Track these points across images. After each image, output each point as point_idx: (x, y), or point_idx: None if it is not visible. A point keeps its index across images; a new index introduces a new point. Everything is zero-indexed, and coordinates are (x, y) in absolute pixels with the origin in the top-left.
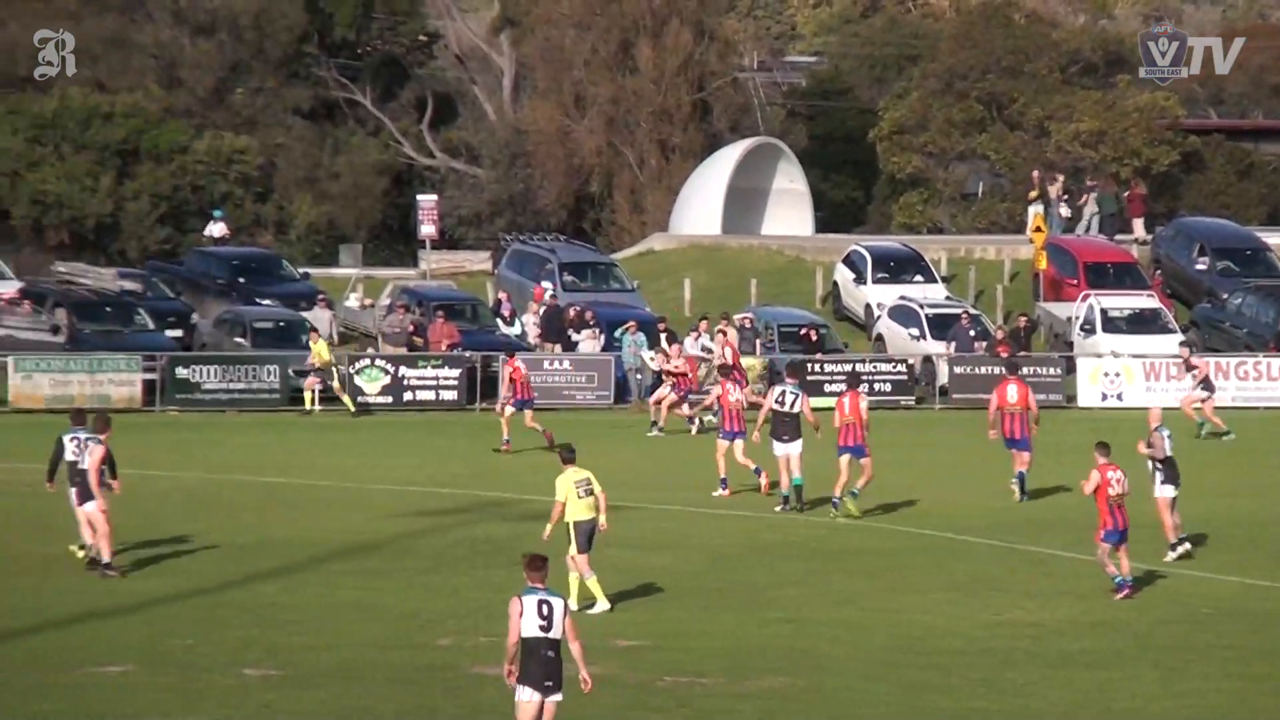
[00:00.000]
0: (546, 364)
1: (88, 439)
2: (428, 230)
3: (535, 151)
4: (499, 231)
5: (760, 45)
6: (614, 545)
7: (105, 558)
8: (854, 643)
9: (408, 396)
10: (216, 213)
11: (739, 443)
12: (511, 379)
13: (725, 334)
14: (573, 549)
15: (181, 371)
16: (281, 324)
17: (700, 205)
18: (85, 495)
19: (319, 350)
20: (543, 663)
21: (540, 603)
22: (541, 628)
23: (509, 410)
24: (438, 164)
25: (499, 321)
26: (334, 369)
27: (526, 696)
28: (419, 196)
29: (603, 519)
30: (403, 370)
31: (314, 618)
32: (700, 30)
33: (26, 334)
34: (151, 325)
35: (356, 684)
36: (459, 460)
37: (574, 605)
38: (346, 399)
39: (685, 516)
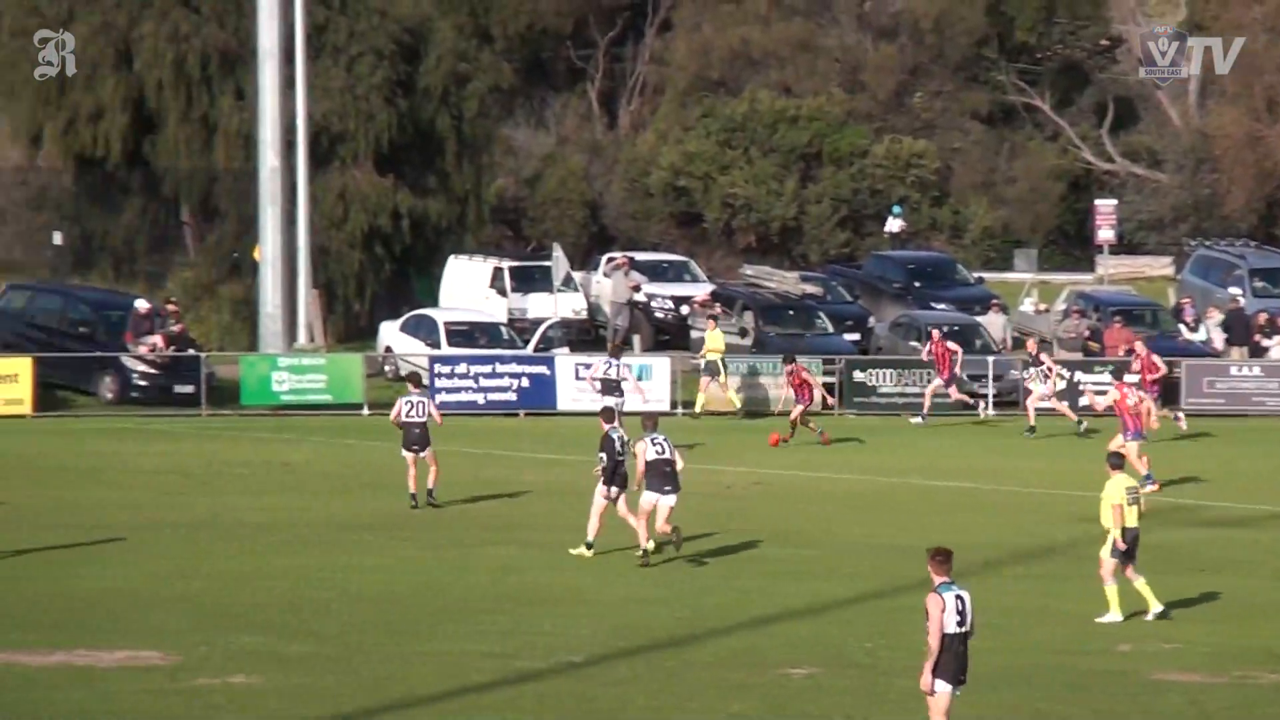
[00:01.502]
0: (1234, 370)
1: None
2: (1105, 235)
3: (1223, 156)
4: (1182, 237)
5: None
6: None
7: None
8: None
9: (1083, 401)
10: (895, 209)
11: None
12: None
13: None
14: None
15: (859, 375)
16: (956, 328)
17: None
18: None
19: (712, 340)
20: (958, 657)
21: (956, 597)
22: (959, 623)
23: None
24: (1117, 169)
25: (1181, 327)
26: (721, 364)
27: (944, 689)
28: (1097, 201)
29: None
30: (1077, 375)
31: (990, 622)
32: None
33: None
34: (831, 329)
35: (1035, 688)
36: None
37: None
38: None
39: None
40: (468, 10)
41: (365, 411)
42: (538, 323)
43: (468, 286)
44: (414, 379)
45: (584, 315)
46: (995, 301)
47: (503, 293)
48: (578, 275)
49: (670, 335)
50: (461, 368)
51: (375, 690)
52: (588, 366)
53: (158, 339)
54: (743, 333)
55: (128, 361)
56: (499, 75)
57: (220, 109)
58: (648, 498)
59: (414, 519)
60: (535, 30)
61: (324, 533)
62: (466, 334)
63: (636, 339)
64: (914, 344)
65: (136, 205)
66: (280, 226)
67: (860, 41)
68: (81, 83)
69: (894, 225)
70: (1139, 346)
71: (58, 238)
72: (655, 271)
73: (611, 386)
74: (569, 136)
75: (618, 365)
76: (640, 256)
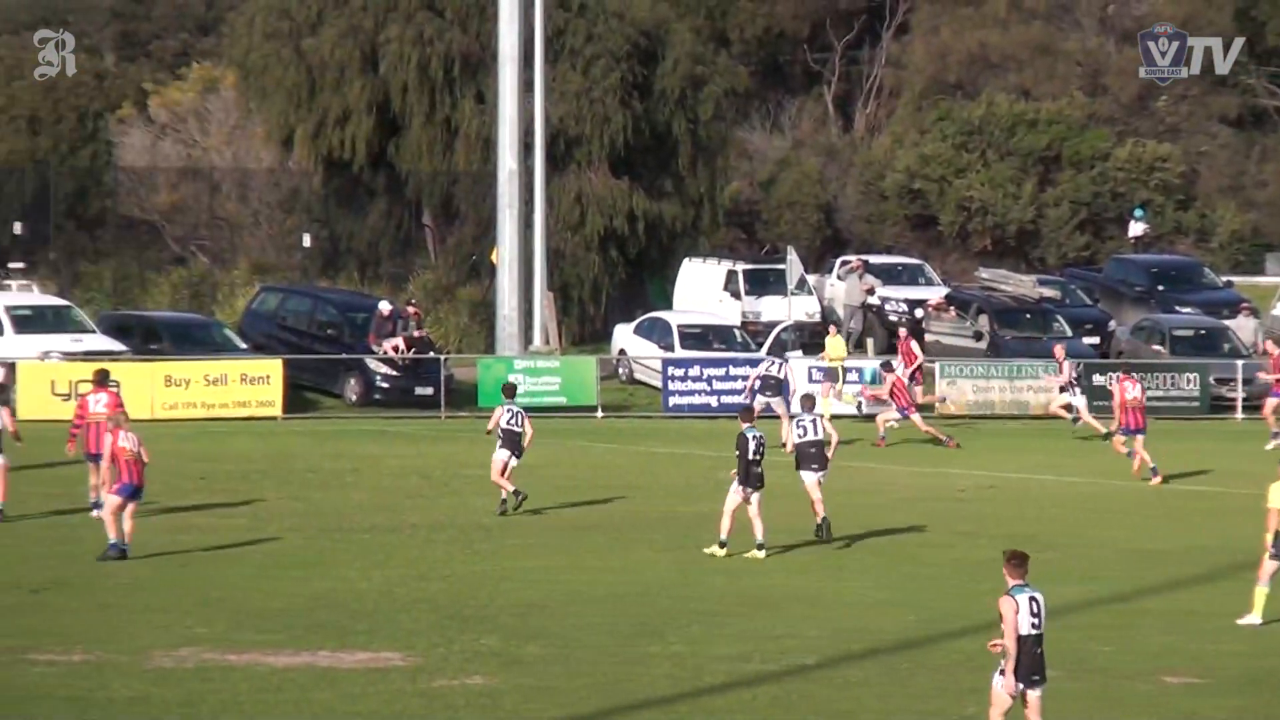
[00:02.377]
0: None
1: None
2: None
3: None
4: None
5: None
6: None
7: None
8: None
9: None
10: (1137, 212)
11: None
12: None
13: None
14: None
15: (1098, 379)
16: (1201, 332)
17: None
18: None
19: (833, 348)
20: (1033, 658)
21: (1030, 599)
22: (1033, 625)
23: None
24: None
25: None
26: (840, 370)
27: (1015, 689)
28: None
29: None
30: None
31: (1231, 627)
32: None
33: (951, 339)
34: (1069, 332)
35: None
36: None
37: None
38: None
39: None
40: (704, 13)
41: (599, 414)
42: (771, 325)
43: (701, 289)
44: (508, 390)
45: (817, 318)
46: (1245, 305)
47: (737, 296)
48: (811, 278)
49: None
50: (694, 370)
51: (609, 691)
52: (821, 370)
53: (400, 341)
54: (977, 336)
55: (371, 364)
56: (735, 78)
57: (461, 112)
58: (804, 477)
59: (646, 521)
60: (772, 34)
61: (558, 535)
62: (700, 337)
63: (870, 342)
64: (1157, 348)
65: (381, 208)
66: (518, 229)
67: (1102, 45)
68: (330, 86)
69: (1137, 229)
70: None
71: (306, 240)
72: (889, 274)
73: (772, 385)
74: (804, 139)
75: (780, 364)
76: (874, 259)
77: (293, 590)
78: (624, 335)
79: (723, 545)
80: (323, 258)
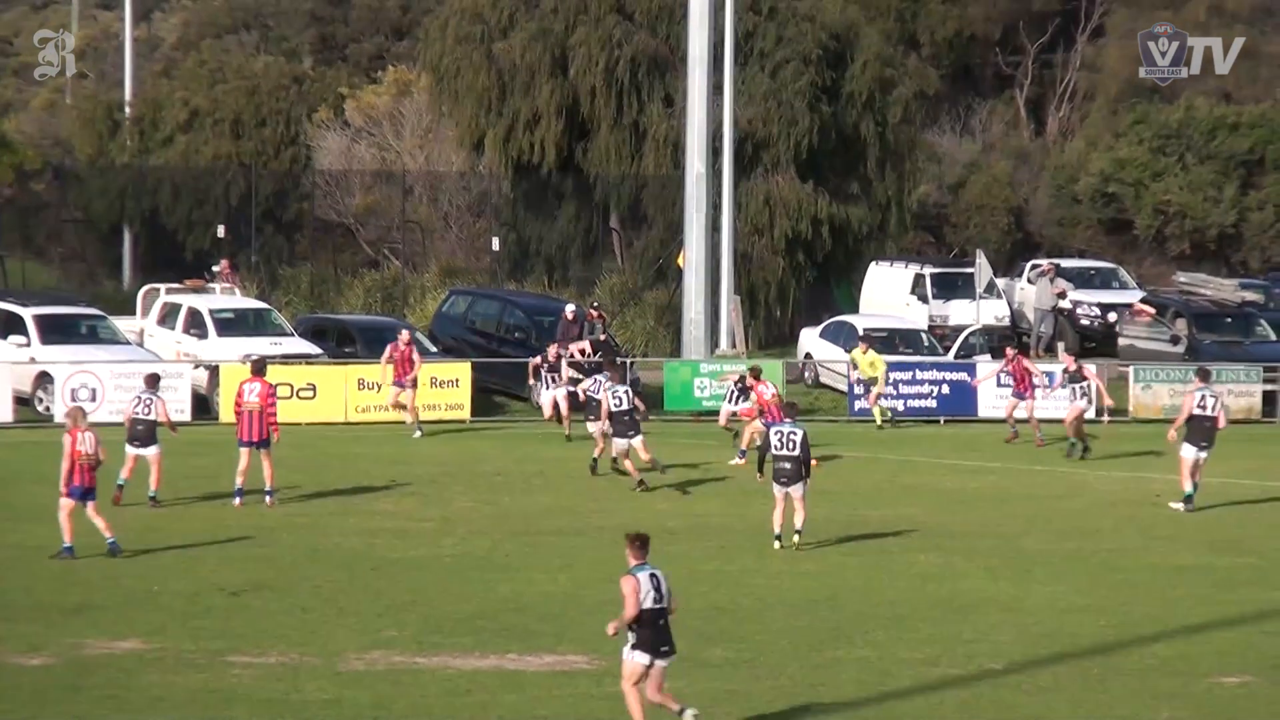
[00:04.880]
0: None
1: None
2: None
3: None
4: None
5: None
6: None
7: None
8: None
9: None
10: None
11: None
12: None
13: None
14: None
15: None
16: None
17: None
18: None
19: (868, 363)
20: (657, 630)
21: (650, 576)
22: (655, 599)
23: None
24: None
25: None
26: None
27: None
28: None
29: None
30: None
31: None
32: None
33: (1146, 344)
34: (1274, 336)
35: None
36: None
37: None
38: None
39: None
40: (895, 16)
41: None
42: (959, 329)
43: (888, 293)
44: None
45: (1007, 322)
46: None
47: (924, 299)
48: (1001, 282)
49: (1096, 342)
50: None
51: (795, 695)
52: (1009, 373)
53: (586, 344)
54: (1174, 340)
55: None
56: (925, 81)
57: (649, 115)
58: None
59: (834, 524)
60: (963, 36)
61: (746, 538)
62: (886, 340)
63: (1060, 346)
64: None
65: (569, 211)
66: (704, 233)
67: None
68: (520, 89)
69: None
70: None
71: (495, 243)
72: (1082, 278)
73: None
74: (995, 143)
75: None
76: (1066, 263)
77: (480, 593)
78: (810, 339)
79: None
80: (511, 261)
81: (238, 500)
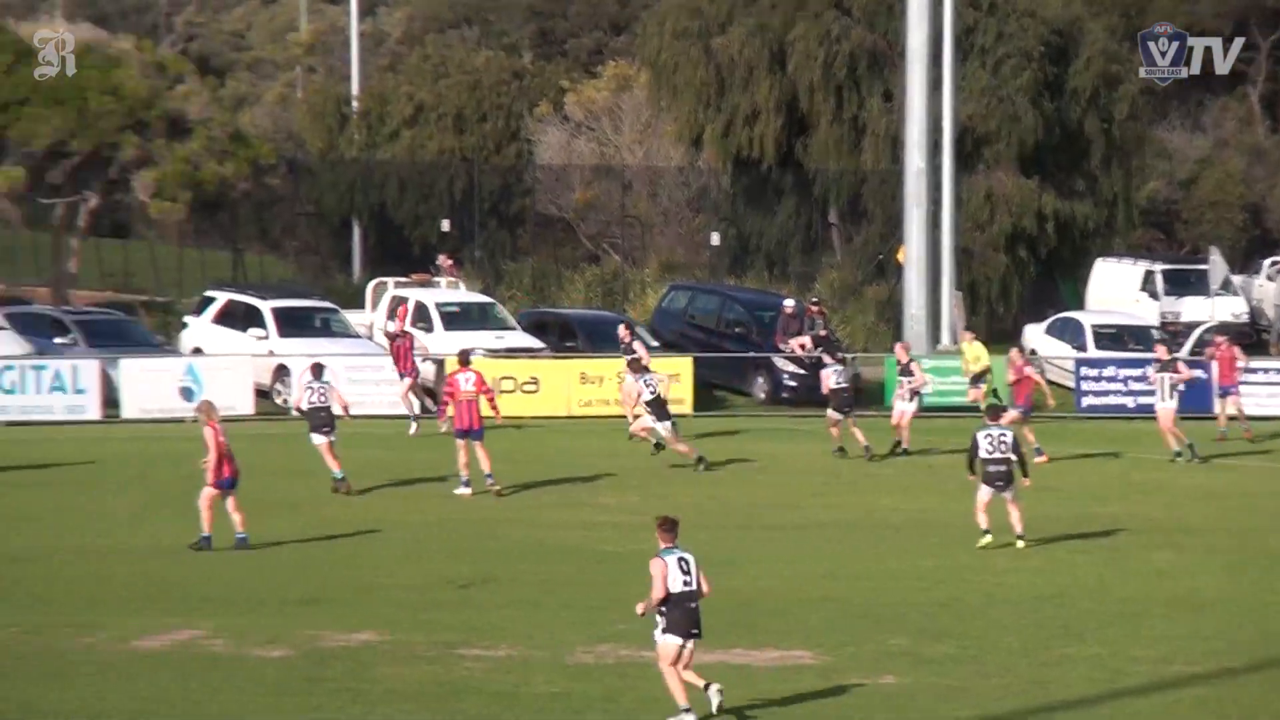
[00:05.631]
0: None
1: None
2: None
3: None
4: None
5: None
6: None
7: None
8: None
9: None
10: None
11: None
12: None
13: None
14: None
15: None
16: None
17: None
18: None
19: (973, 356)
20: (686, 612)
21: (679, 560)
22: (685, 582)
23: None
24: None
25: None
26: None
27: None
28: None
29: None
30: None
31: None
32: None
33: None
34: None
35: None
36: None
37: None
38: None
39: None
40: (1120, 11)
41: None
42: (1192, 326)
43: (1116, 289)
44: (634, 366)
45: (1244, 319)
46: None
47: (1154, 296)
48: (1237, 279)
49: None
50: (1109, 370)
51: (1024, 693)
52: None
53: (806, 339)
54: None
55: (778, 362)
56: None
57: (869, 110)
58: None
59: (1061, 521)
60: (1192, 32)
61: (971, 535)
62: (1114, 337)
63: None
64: None
65: (789, 206)
66: (925, 228)
67: None
68: (739, 85)
69: None
70: None
71: (715, 238)
72: None
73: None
74: (1228, 139)
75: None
76: None
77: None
78: (1035, 335)
79: (986, 533)
80: (731, 256)
81: (460, 490)
